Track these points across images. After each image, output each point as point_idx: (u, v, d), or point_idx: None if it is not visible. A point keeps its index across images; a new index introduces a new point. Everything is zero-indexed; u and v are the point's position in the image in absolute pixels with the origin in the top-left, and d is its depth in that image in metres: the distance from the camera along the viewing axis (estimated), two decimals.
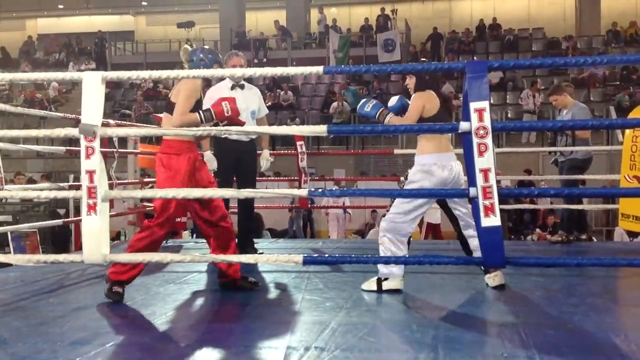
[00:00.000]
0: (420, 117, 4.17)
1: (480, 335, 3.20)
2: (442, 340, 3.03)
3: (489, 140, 3.17)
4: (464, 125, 3.21)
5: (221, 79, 5.46)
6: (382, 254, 4.11)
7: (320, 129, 3.40)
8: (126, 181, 7.07)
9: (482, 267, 4.24)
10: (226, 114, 3.90)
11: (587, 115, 6.49)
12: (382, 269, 4.13)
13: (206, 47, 4.28)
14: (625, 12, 23.97)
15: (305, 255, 3.43)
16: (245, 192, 3.44)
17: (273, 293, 4.24)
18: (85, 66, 22.92)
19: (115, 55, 25.24)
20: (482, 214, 3.17)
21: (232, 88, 5.43)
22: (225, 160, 5.43)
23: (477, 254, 4.10)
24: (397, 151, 9.13)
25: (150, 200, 7.26)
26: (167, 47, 25.43)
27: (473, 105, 3.17)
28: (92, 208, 3.36)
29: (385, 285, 4.12)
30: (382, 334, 3.21)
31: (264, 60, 22.66)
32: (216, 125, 3.93)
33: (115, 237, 10.60)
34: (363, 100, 4.40)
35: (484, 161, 3.18)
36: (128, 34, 28.43)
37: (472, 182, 3.22)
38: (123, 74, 3.51)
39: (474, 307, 3.89)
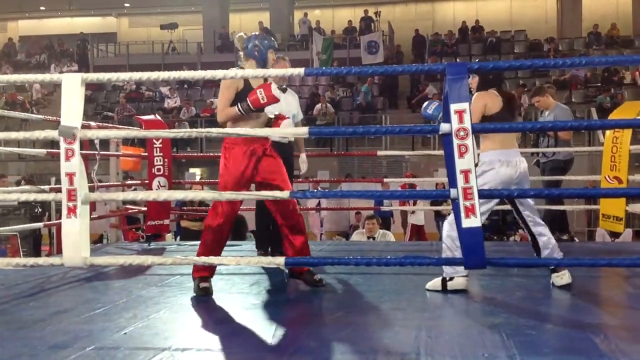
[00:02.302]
0: (483, 116, 4.17)
1: (461, 335, 3.21)
2: (424, 341, 3.04)
3: (469, 141, 3.19)
4: (444, 127, 3.22)
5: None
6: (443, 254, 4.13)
7: (302, 131, 3.40)
8: (108, 184, 7.02)
9: (550, 267, 4.26)
10: (262, 102, 3.90)
11: (568, 116, 6.55)
12: (447, 269, 4.12)
13: (259, 33, 4.24)
14: (606, 14, 24.18)
15: (287, 257, 3.43)
16: (227, 195, 3.43)
17: (255, 295, 4.23)
18: (67, 68, 22.77)
19: (98, 57, 25.10)
20: (462, 215, 3.19)
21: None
22: None
23: (546, 252, 4.19)
24: (380, 153, 9.13)
25: (132, 202, 7.24)
26: (150, 48, 25.32)
27: (453, 107, 3.19)
28: (72, 211, 3.34)
29: (450, 285, 4.12)
30: (365, 335, 3.21)
31: None
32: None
33: (98, 240, 10.54)
34: (426, 103, 4.41)
35: (465, 162, 3.19)
36: (110, 35, 28.27)
37: (452, 183, 3.24)
38: (103, 76, 3.49)
39: (455, 308, 3.90)
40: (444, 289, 4.12)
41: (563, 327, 3.33)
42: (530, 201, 4.26)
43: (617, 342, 3.00)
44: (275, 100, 3.94)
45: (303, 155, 5.75)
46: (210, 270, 4.15)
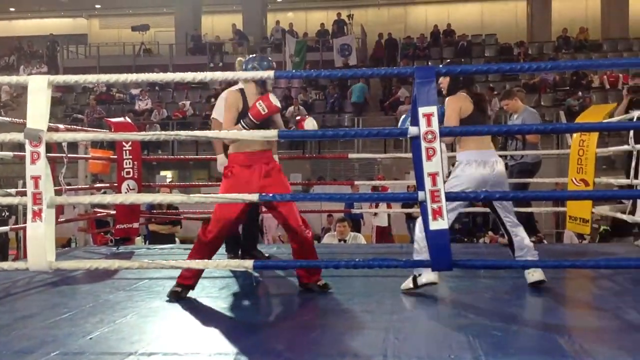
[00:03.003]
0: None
1: (428, 337, 3.24)
2: (391, 343, 3.06)
3: (437, 144, 3.22)
4: (412, 130, 3.25)
5: (235, 83, 5.46)
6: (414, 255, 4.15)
7: (272, 134, 3.40)
8: (76, 187, 6.94)
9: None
10: (263, 113, 3.93)
11: (536, 119, 6.63)
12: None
13: (260, 55, 4.30)
14: (575, 18, 24.53)
15: (255, 260, 3.42)
16: (196, 198, 3.42)
17: (224, 299, 4.22)
18: (37, 70, 22.47)
19: (68, 58, 24.81)
20: (430, 217, 3.21)
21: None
22: None
23: (520, 253, 4.22)
24: (351, 155, 9.17)
25: (101, 206, 7.17)
26: (121, 50, 25.12)
27: (421, 110, 3.21)
28: (37, 214, 3.30)
29: (420, 281, 4.13)
30: (332, 338, 3.22)
31: (220, 64, 22.52)
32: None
33: (66, 243, 10.43)
34: (403, 117, 4.41)
35: (432, 165, 3.22)
36: (81, 37, 27.98)
37: (420, 186, 3.26)
38: (70, 78, 3.46)
39: (422, 310, 3.92)
40: (416, 286, 4.14)
41: (529, 328, 3.37)
42: (507, 203, 4.30)
43: (582, 342, 3.05)
44: (276, 109, 3.98)
45: (275, 157, 5.76)
46: (195, 280, 4.17)
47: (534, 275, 4.27)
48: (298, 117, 4.38)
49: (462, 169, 4.20)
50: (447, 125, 4.16)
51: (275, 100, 3.98)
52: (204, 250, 4.11)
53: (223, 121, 4.11)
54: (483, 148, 4.24)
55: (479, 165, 4.17)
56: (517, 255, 4.29)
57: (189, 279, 4.15)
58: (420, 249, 4.10)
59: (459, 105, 4.25)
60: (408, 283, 4.21)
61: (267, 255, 5.79)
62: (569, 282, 4.86)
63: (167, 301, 4.06)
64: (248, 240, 5.68)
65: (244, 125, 3.97)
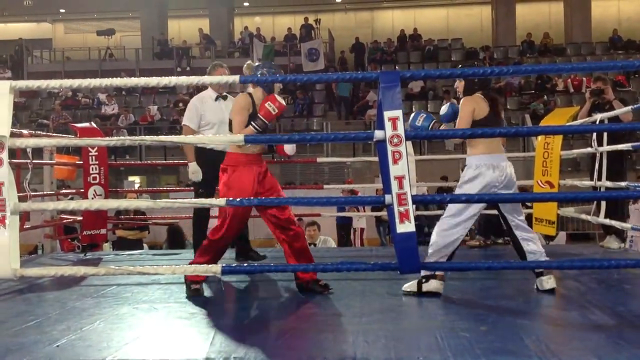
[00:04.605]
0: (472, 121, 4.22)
1: (397, 339, 3.25)
2: (359, 346, 3.07)
3: (402, 148, 3.24)
4: (378, 134, 3.27)
5: (205, 88, 5.54)
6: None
7: (238, 138, 3.39)
8: (42, 193, 6.85)
9: (534, 270, 4.31)
10: (274, 113, 4.04)
11: None
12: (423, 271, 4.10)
13: (266, 62, 4.35)
14: (539, 23, 24.92)
15: (224, 265, 3.41)
16: (162, 203, 3.40)
17: (193, 304, 4.19)
18: (0, 75, 22.13)
19: (33, 63, 24.48)
20: (397, 220, 3.24)
21: (216, 99, 5.44)
22: (210, 170, 5.19)
23: (531, 257, 4.21)
24: (320, 159, 9.18)
25: (67, 212, 7.08)
26: (87, 55, 24.85)
27: (387, 114, 3.24)
28: (0, 221, 3.25)
29: (425, 287, 4.13)
30: (303, 341, 3.22)
31: (187, 68, 22.43)
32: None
33: (33, 250, 10.26)
34: (414, 114, 4.39)
35: (399, 169, 3.24)
36: (46, 41, 27.61)
37: (387, 189, 3.28)
38: (33, 83, 3.41)
39: (391, 312, 3.94)
40: (419, 291, 4.14)
41: (496, 329, 3.41)
42: (512, 204, 4.29)
43: (548, 342, 3.09)
44: (283, 107, 4.10)
45: None
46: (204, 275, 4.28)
47: (549, 282, 4.25)
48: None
49: (473, 173, 4.19)
50: (459, 127, 4.19)
51: (281, 99, 4.09)
52: (213, 249, 4.23)
53: (233, 124, 4.16)
54: (494, 152, 4.23)
55: (489, 168, 4.16)
56: (529, 259, 4.26)
57: (197, 275, 4.24)
58: (434, 252, 4.14)
59: (472, 106, 4.24)
60: (412, 286, 4.19)
61: (263, 255, 5.77)
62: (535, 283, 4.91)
63: (187, 297, 4.21)
64: (243, 241, 5.70)
65: (255, 127, 4.06)
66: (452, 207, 4.16)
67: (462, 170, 4.37)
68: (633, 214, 9.46)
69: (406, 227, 3.24)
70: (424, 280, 4.16)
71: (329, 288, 4.32)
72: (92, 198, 6.34)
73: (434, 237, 4.17)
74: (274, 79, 3.55)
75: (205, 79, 3.53)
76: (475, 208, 4.16)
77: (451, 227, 4.13)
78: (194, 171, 5.32)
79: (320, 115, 19.19)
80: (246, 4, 27.18)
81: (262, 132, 4.05)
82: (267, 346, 3.10)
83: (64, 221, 7.36)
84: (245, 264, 5.14)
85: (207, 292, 4.51)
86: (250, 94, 4.24)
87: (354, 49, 22.71)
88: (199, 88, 6.09)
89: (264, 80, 3.91)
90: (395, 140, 3.23)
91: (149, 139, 3.57)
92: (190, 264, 4.22)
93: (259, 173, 4.23)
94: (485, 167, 4.17)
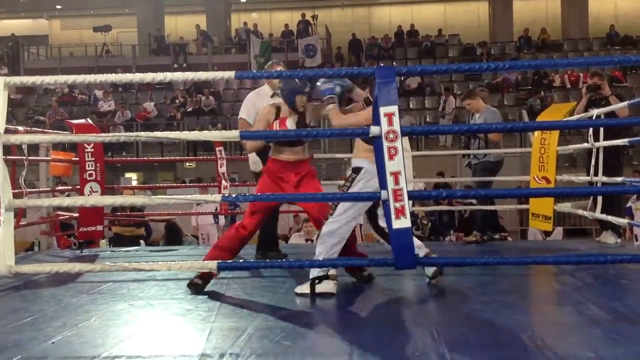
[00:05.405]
0: None
1: (393, 335, 3.25)
2: (356, 343, 3.07)
3: (398, 143, 3.23)
4: (374, 130, 3.26)
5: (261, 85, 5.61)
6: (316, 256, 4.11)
7: (233, 134, 3.39)
8: (38, 190, 6.84)
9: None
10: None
11: (497, 118, 6.70)
12: (315, 271, 4.06)
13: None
14: (536, 19, 24.90)
15: (220, 261, 3.41)
16: (158, 199, 3.39)
17: (189, 301, 4.18)
18: None
19: (29, 60, 24.41)
20: (393, 216, 3.23)
21: (272, 96, 5.44)
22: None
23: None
24: (317, 155, 9.14)
25: (64, 209, 7.07)
26: (83, 51, 24.79)
27: (383, 110, 3.23)
28: None
29: (319, 288, 4.06)
30: (298, 338, 3.22)
31: (184, 65, 22.39)
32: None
33: (29, 247, 10.25)
34: (321, 80, 4.11)
35: (394, 164, 3.23)
36: (42, 38, 27.54)
37: (383, 185, 3.28)
38: (27, 79, 3.40)
39: (387, 308, 3.94)
40: (313, 293, 4.04)
41: (492, 324, 3.41)
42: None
43: (544, 337, 3.09)
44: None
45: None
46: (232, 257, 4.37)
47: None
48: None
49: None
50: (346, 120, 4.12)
51: (292, 122, 4.19)
52: (235, 245, 4.33)
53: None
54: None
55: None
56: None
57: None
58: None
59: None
60: (304, 287, 4.10)
61: (283, 253, 5.77)
62: (532, 278, 4.93)
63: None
64: (265, 241, 5.72)
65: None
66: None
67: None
68: (636, 213, 9.55)
69: (402, 222, 3.23)
70: (317, 281, 4.06)
71: (373, 277, 4.48)
72: (89, 195, 6.33)
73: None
74: (270, 75, 3.53)
75: (202, 74, 3.52)
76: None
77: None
78: (254, 161, 5.40)
79: None
80: (243, 0, 27.15)
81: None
82: (263, 342, 3.09)
83: (61, 218, 7.35)
84: (242, 260, 5.13)
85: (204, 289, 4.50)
86: (278, 106, 4.31)
87: (351, 45, 22.67)
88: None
89: (259, 77, 3.89)
90: (391, 135, 3.23)
91: (144, 134, 3.56)
92: (208, 256, 4.26)
93: (289, 180, 4.26)
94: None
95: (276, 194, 4.14)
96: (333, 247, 4.10)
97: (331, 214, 4.04)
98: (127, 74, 3.59)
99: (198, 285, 4.29)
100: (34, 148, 6.26)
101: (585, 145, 6.29)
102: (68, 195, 7.82)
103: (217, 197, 3.52)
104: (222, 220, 11.07)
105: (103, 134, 3.63)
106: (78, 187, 6.76)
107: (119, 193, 8.93)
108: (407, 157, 3.77)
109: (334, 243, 4.09)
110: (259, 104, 5.44)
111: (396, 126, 3.22)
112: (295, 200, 3.80)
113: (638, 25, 24.29)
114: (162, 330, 3.48)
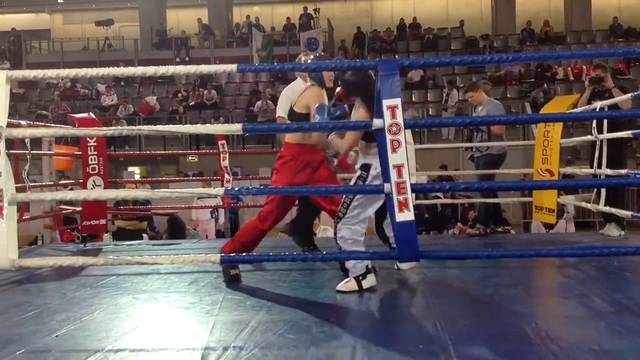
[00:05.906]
0: None
1: (397, 328, 3.25)
2: (359, 335, 3.07)
3: (401, 136, 3.22)
4: (377, 122, 3.25)
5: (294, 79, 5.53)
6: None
7: (235, 128, 3.38)
8: (41, 184, 6.84)
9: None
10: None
11: (500, 111, 6.68)
12: (356, 269, 4.00)
13: (320, 55, 4.41)
14: (539, 11, 24.81)
15: (223, 254, 3.40)
16: (160, 193, 3.39)
17: (192, 294, 4.19)
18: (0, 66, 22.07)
19: (31, 54, 24.39)
20: (396, 209, 3.22)
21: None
22: None
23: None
24: None
25: (67, 202, 7.08)
26: (86, 45, 24.77)
27: (385, 103, 3.22)
28: None
29: (365, 284, 3.99)
30: (302, 331, 3.22)
31: (187, 59, 22.37)
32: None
33: (33, 241, 10.26)
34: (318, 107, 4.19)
35: (397, 157, 3.22)
36: (44, 32, 27.50)
37: (386, 178, 3.27)
38: (29, 73, 3.40)
39: (391, 300, 3.94)
40: (360, 289, 3.98)
41: (495, 317, 3.41)
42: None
43: (547, 329, 3.09)
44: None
45: None
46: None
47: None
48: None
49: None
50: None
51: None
52: (257, 237, 4.36)
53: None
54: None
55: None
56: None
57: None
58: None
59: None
60: (349, 285, 4.02)
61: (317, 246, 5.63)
62: (536, 271, 4.92)
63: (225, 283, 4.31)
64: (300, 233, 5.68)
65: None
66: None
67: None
68: None
69: (405, 215, 3.22)
70: (361, 277, 4.00)
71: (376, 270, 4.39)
72: (92, 188, 6.33)
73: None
74: (272, 68, 3.52)
75: (204, 67, 3.51)
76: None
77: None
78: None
79: None
80: None
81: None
82: (267, 335, 3.09)
83: (64, 212, 7.35)
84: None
85: (205, 282, 4.50)
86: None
87: (354, 39, 22.62)
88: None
89: (261, 70, 3.89)
90: (394, 128, 3.21)
91: (146, 128, 3.55)
92: (226, 248, 4.29)
93: (311, 165, 4.33)
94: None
95: (272, 188, 4.14)
96: (351, 248, 4.05)
97: (339, 217, 4.02)
98: (130, 67, 3.58)
99: (237, 275, 4.37)
100: (36, 142, 6.26)
101: (588, 137, 6.27)
102: (71, 189, 7.83)
103: (220, 191, 3.51)
104: (222, 218, 11.07)
105: (106, 128, 3.62)
106: (81, 181, 6.77)
107: (121, 187, 8.92)
108: (410, 150, 3.76)
109: (350, 244, 4.05)
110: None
111: (399, 119, 3.21)
112: (298, 194, 3.78)
113: None
114: (166, 323, 3.49)
